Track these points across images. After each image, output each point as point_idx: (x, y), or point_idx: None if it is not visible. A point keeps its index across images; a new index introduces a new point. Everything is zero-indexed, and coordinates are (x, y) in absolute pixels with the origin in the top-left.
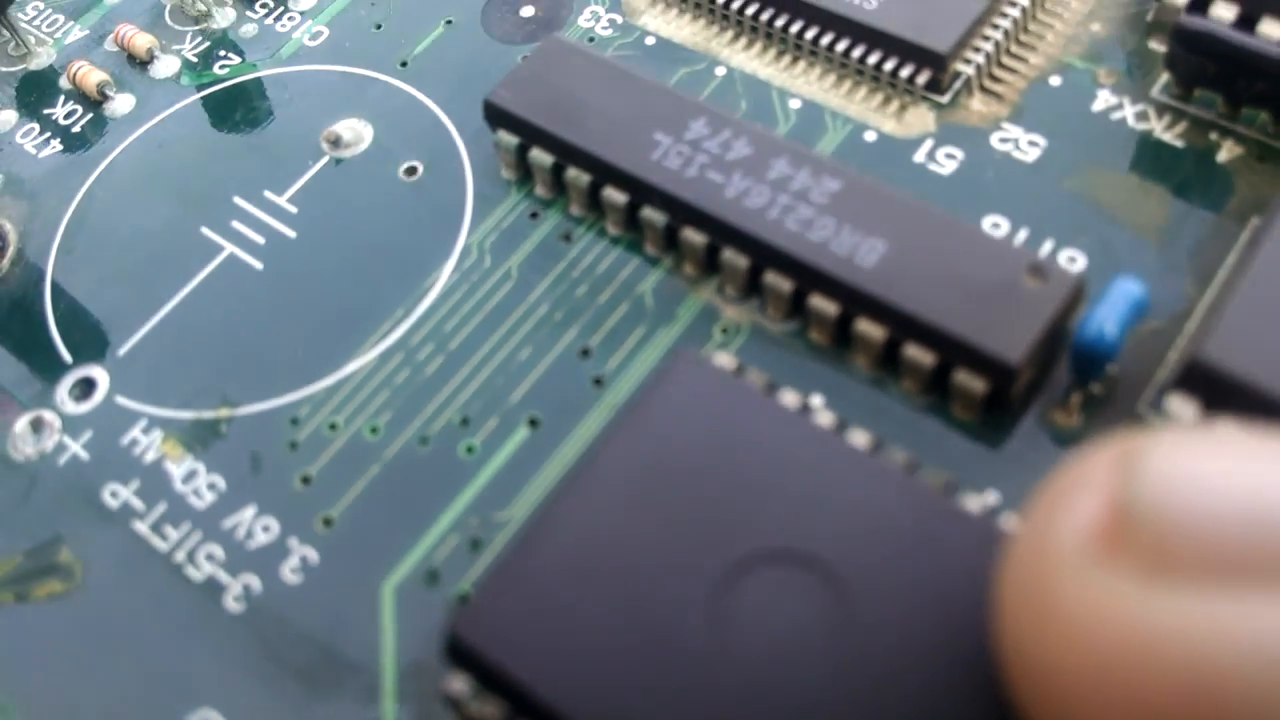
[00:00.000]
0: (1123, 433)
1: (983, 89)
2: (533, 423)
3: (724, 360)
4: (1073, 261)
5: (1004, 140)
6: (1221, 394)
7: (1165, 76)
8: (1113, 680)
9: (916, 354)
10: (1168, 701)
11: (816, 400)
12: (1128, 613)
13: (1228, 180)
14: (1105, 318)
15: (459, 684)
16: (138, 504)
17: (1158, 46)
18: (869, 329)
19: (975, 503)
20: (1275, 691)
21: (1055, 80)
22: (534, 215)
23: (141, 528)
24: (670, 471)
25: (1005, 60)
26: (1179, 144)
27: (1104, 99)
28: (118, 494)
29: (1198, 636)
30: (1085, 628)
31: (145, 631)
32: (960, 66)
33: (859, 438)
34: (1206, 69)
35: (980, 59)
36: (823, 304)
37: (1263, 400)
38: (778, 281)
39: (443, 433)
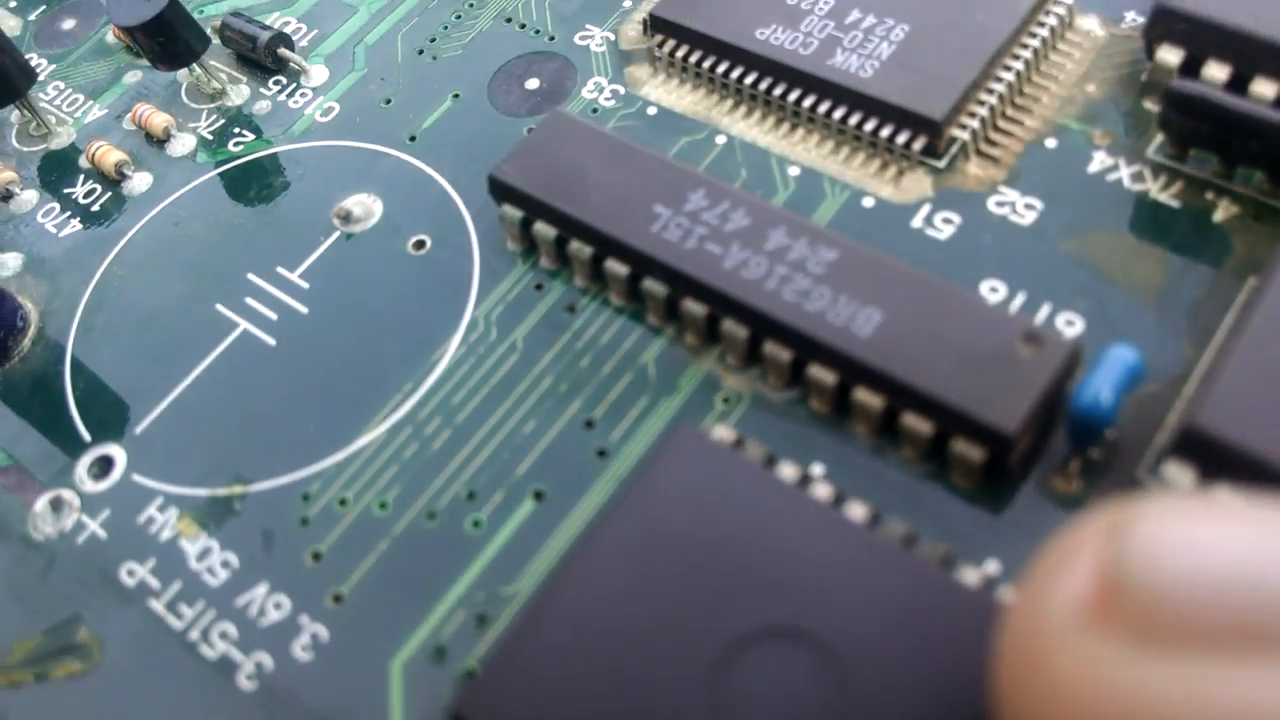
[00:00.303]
0: (1116, 501)
1: (979, 153)
2: (538, 496)
3: (723, 434)
4: (1070, 325)
5: (1001, 204)
6: (1217, 461)
7: (1160, 137)
8: None
9: (914, 423)
10: None
11: (817, 469)
12: (1118, 681)
13: (1225, 240)
14: (1101, 386)
15: None
16: (154, 582)
17: (1152, 107)
18: (867, 398)
19: (973, 574)
20: None
21: (1051, 142)
22: (539, 287)
23: (157, 606)
24: (670, 549)
25: (1001, 124)
26: (1175, 204)
27: (1100, 160)
28: (134, 572)
29: (1185, 704)
30: (1078, 696)
31: (161, 711)
32: (956, 132)
33: (857, 510)
34: (1200, 130)
35: (975, 124)
36: (821, 373)
37: (1259, 467)
38: (777, 351)
39: (450, 507)
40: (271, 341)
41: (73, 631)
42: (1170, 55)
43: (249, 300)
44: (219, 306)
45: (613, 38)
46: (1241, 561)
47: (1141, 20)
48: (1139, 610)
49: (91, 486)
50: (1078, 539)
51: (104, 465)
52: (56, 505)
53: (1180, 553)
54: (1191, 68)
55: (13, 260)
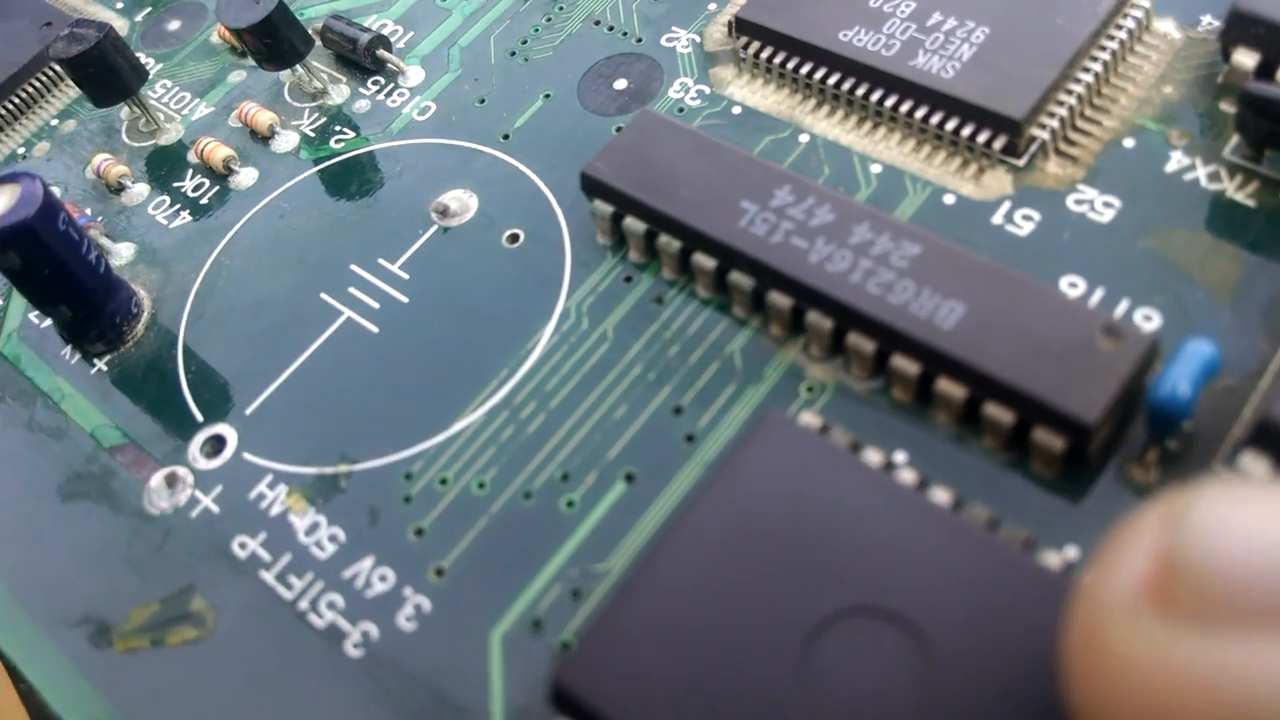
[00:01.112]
0: (1177, 487)
1: (1058, 152)
2: (629, 478)
3: (809, 420)
4: (1148, 320)
5: (1079, 202)
6: None
7: (1236, 138)
8: None
9: (996, 412)
10: None
11: (900, 457)
12: (1177, 660)
13: None
14: (1178, 378)
15: None
16: (264, 555)
17: (1228, 108)
18: (949, 388)
19: (1054, 558)
20: None
21: (1129, 142)
22: (628, 279)
23: (268, 577)
24: (759, 529)
25: (1079, 124)
26: (1251, 204)
27: (1177, 160)
28: (246, 545)
29: (1242, 680)
30: (1137, 674)
31: (272, 676)
32: (1035, 131)
33: (941, 495)
34: (1276, 132)
35: (1055, 123)
36: (904, 364)
37: None
38: (860, 342)
39: (545, 488)
40: (374, 329)
41: (188, 600)
42: (1246, 58)
43: (352, 290)
44: (324, 295)
45: (698, 39)
46: None
47: (1218, 24)
48: (1193, 591)
49: (204, 464)
50: (1138, 524)
51: (216, 444)
52: (171, 481)
53: (1232, 535)
54: (1267, 70)
55: (126, 250)
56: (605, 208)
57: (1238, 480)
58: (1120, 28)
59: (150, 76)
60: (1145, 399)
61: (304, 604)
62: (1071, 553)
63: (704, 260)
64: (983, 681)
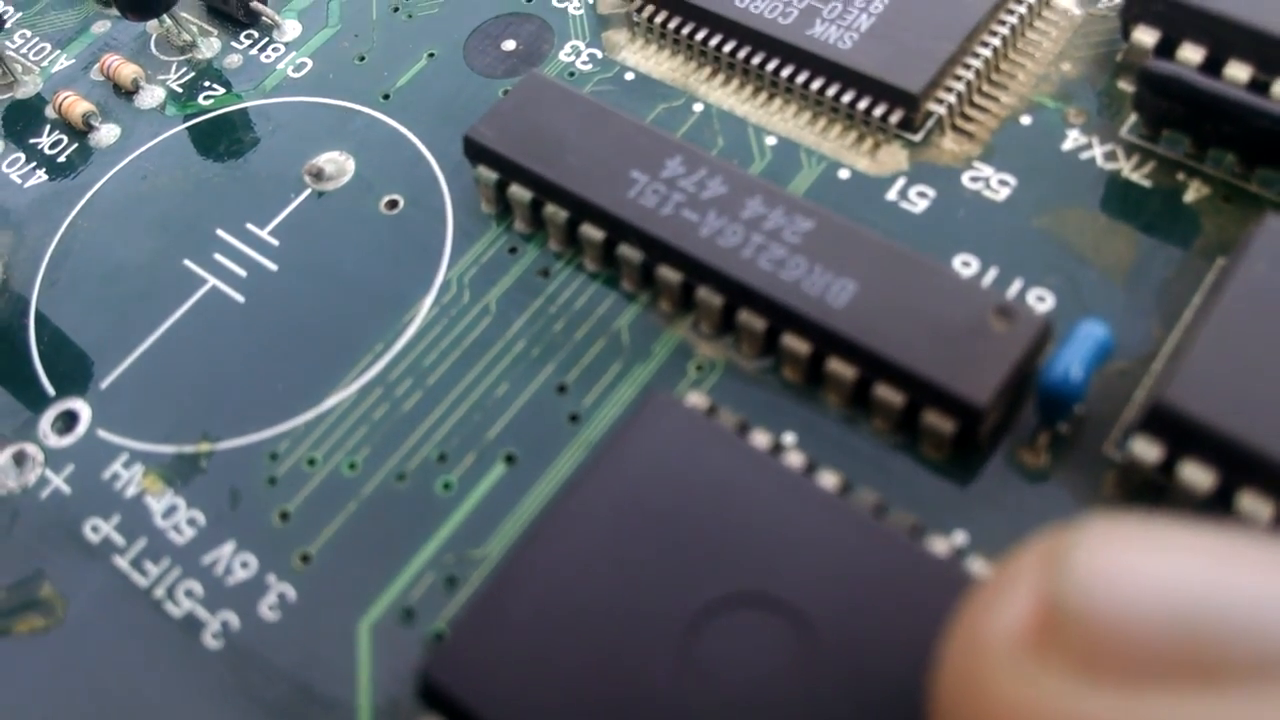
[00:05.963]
0: (1055, 528)
1: (955, 128)
2: (509, 459)
3: (696, 400)
4: (1041, 301)
5: (975, 179)
6: (1185, 437)
7: (1134, 116)
8: None
9: (886, 393)
10: None
11: (789, 438)
12: (1058, 710)
13: (1194, 220)
14: (1070, 361)
15: None
16: (118, 539)
17: (1126, 86)
18: (840, 368)
19: (942, 544)
20: None
21: (1026, 120)
22: (513, 250)
23: (122, 563)
24: (642, 513)
25: (977, 99)
26: (1147, 184)
27: (1073, 139)
28: (99, 529)
29: None
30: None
31: (125, 668)
32: (932, 106)
33: (828, 479)
34: (1174, 111)
35: (952, 99)
36: (795, 343)
37: (1225, 444)
38: (751, 320)
39: (420, 469)
40: (240, 299)
41: (36, 587)
42: (1146, 36)
43: (218, 256)
44: (187, 262)
45: (591, 1)
46: (1179, 592)
47: (1119, 0)
48: (1078, 640)
49: (55, 441)
50: (1017, 566)
51: (68, 420)
52: (20, 459)
53: (1117, 582)
54: (1167, 49)
55: None
56: (489, 174)
57: (1117, 519)
58: (1020, 2)
59: (7, 26)
60: (1037, 382)
61: (160, 592)
62: (960, 538)
63: (592, 232)
64: (866, 669)
